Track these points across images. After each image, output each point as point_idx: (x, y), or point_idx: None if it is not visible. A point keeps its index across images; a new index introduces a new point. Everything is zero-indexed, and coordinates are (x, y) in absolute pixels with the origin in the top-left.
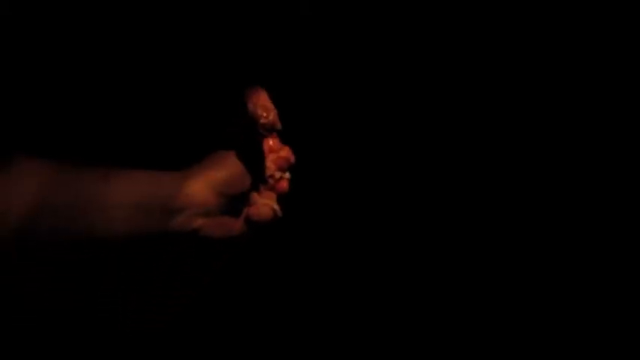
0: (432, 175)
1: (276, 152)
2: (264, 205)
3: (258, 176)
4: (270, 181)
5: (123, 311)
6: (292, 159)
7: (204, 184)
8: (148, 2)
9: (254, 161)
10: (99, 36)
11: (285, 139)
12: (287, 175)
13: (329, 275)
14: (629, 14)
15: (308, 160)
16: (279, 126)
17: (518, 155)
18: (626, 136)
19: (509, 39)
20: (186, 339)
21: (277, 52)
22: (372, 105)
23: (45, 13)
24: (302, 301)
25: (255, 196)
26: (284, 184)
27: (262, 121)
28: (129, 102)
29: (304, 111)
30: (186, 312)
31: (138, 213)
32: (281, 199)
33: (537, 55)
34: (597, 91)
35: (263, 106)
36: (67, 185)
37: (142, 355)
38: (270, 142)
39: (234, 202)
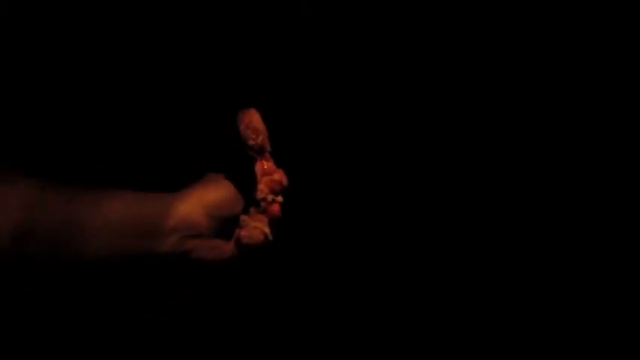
0: (432, 176)
1: (269, 175)
2: (255, 228)
3: (250, 199)
4: (262, 204)
5: (123, 311)
6: (285, 182)
7: (196, 206)
8: (148, 2)
9: (247, 183)
10: (98, 37)
11: (284, 138)
12: (279, 198)
13: (328, 275)
14: (629, 14)
15: (307, 159)
16: (268, 148)
17: (517, 155)
18: (626, 136)
19: (509, 39)
20: (186, 339)
21: (277, 52)
22: (371, 105)
23: (45, 13)
24: (301, 301)
25: (246, 218)
26: (276, 208)
27: (251, 142)
28: (127, 107)
29: (304, 111)
30: (186, 312)
31: (128, 234)
32: (273, 222)
33: (537, 55)
34: (597, 91)
35: (253, 128)
36: (55, 206)
37: (142, 355)
38: (264, 165)
39: (226, 224)
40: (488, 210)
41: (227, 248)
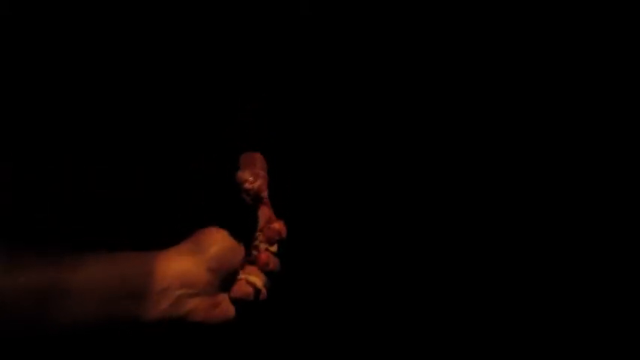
0: (432, 177)
1: (266, 223)
2: (244, 281)
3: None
4: (254, 252)
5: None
6: (284, 233)
7: (194, 261)
8: (148, 2)
9: (243, 233)
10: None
11: (284, 139)
12: (274, 248)
13: (327, 275)
14: (629, 14)
15: (306, 159)
16: (264, 195)
17: (517, 155)
18: (626, 136)
19: (509, 39)
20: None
21: (277, 52)
22: (371, 105)
23: (45, 13)
24: (301, 301)
25: (239, 272)
26: (264, 258)
27: (246, 186)
28: (127, 107)
29: (304, 111)
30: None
31: (110, 300)
32: (271, 274)
33: (537, 55)
34: (597, 91)
35: (252, 172)
36: (25, 275)
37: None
38: (261, 212)
39: (226, 278)
40: (488, 210)
41: (230, 307)
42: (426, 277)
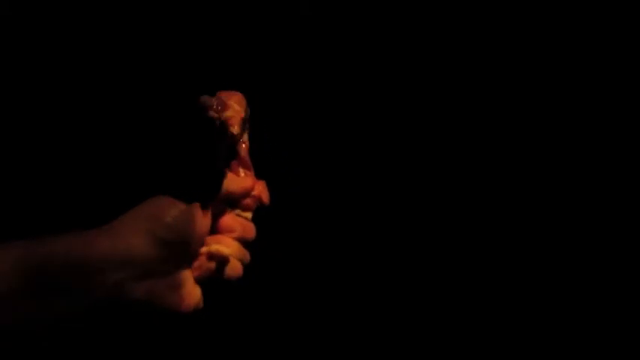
0: (432, 178)
1: (243, 185)
2: (206, 254)
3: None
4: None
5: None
6: (265, 197)
7: (138, 234)
8: (148, 2)
9: (209, 193)
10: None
11: (284, 138)
12: (247, 214)
13: (327, 275)
14: (629, 14)
15: (305, 159)
16: (235, 132)
17: (517, 155)
18: (626, 136)
19: (510, 39)
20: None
21: (277, 52)
22: (372, 105)
23: (45, 13)
24: (300, 301)
25: (211, 239)
26: (226, 221)
27: (210, 113)
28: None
29: (304, 111)
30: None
31: (50, 291)
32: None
33: (537, 55)
34: (597, 91)
35: (220, 100)
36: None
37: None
38: (234, 167)
39: (183, 252)
40: (488, 210)
41: (194, 288)
42: (425, 276)
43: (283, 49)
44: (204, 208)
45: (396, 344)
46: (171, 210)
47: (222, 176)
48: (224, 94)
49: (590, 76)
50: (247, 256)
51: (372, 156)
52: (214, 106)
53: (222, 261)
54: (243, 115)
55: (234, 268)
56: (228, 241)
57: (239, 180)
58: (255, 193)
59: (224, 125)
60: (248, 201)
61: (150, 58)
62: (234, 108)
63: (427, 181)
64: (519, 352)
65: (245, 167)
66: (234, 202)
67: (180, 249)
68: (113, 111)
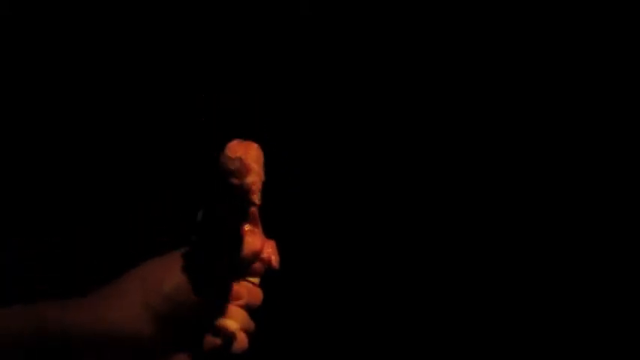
0: (433, 178)
1: (253, 247)
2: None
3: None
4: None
5: None
6: (275, 262)
7: (129, 305)
8: (148, 2)
9: (208, 261)
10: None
11: (283, 138)
12: (255, 279)
13: (327, 275)
14: (629, 14)
15: (305, 159)
16: (255, 199)
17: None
18: (626, 136)
19: (510, 39)
20: None
21: (277, 52)
22: (372, 105)
23: (45, 13)
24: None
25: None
26: (237, 290)
27: (234, 181)
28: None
29: (303, 111)
30: None
31: None
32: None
33: (537, 55)
34: (597, 91)
35: (242, 161)
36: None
37: None
38: (246, 228)
39: (183, 327)
40: (489, 211)
41: None
42: (426, 276)
43: (283, 49)
44: (214, 274)
45: (397, 344)
46: (173, 280)
47: (239, 242)
48: (241, 151)
49: (590, 76)
50: (253, 326)
51: (371, 156)
52: (236, 172)
53: (229, 337)
54: (263, 178)
55: (241, 342)
56: (235, 312)
57: (248, 242)
58: (264, 255)
59: (245, 192)
60: (257, 265)
61: (150, 58)
62: (255, 170)
63: (427, 182)
64: (520, 352)
65: (253, 224)
66: (242, 266)
67: (182, 324)
68: (113, 114)
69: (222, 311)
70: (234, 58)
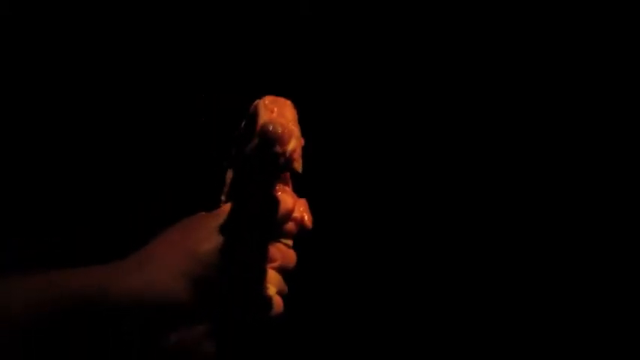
0: (433, 178)
1: (286, 207)
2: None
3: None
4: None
5: None
6: (308, 221)
7: (164, 271)
8: (148, 2)
9: (244, 222)
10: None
11: None
12: (288, 241)
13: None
14: (629, 14)
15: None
16: (299, 167)
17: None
18: (626, 136)
19: (510, 39)
20: None
21: (277, 52)
22: (372, 105)
23: (45, 13)
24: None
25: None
26: (272, 253)
27: (277, 150)
28: (126, 107)
29: (303, 111)
30: None
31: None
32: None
33: (537, 55)
34: (597, 91)
35: (284, 126)
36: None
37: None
38: (279, 192)
39: (212, 294)
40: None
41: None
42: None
43: (283, 49)
44: (247, 236)
45: (399, 344)
46: (208, 243)
47: (272, 202)
48: (278, 113)
49: (590, 76)
50: (286, 289)
51: (372, 156)
52: (277, 139)
53: (266, 301)
54: (303, 142)
55: (277, 306)
56: (270, 275)
57: (280, 202)
58: (296, 215)
59: (287, 161)
60: (289, 225)
61: (150, 58)
62: (295, 135)
63: (428, 182)
64: (520, 352)
65: (283, 182)
66: (275, 227)
67: (213, 288)
68: (117, 111)
69: (257, 274)
70: (234, 57)
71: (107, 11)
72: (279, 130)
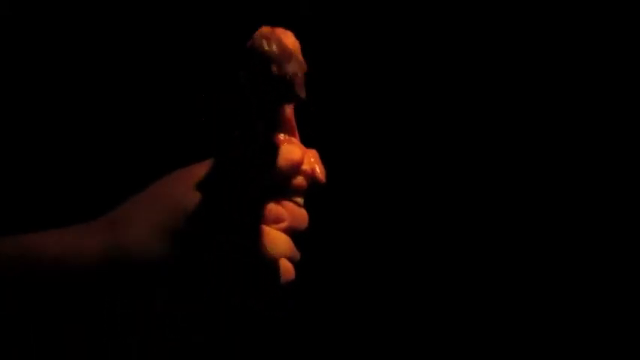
0: (432, 179)
1: (291, 157)
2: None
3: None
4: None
5: None
6: (321, 173)
7: (142, 228)
8: (148, 2)
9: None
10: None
11: None
12: (299, 199)
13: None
14: (629, 14)
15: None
16: (301, 92)
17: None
18: (626, 136)
19: (510, 39)
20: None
21: None
22: (372, 106)
23: (45, 13)
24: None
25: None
26: (274, 211)
27: (274, 69)
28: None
29: (303, 111)
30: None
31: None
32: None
33: (538, 55)
34: (597, 91)
35: (282, 46)
36: None
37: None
38: (283, 138)
39: (203, 257)
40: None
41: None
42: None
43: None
44: (246, 190)
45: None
46: (195, 195)
47: (273, 151)
48: (278, 35)
49: (590, 76)
50: (298, 254)
51: (371, 156)
52: (275, 57)
53: (271, 267)
54: (306, 68)
55: (286, 272)
56: (277, 237)
57: (284, 152)
58: (306, 167)
59: (287, 82)
60: (298, 180)
61: (149, 58)
62: (297, 59)
63: (428, 182)
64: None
65: (288, 132)
66: (281, 182)
67: (207, 250)
68: (118, 110)
69: (257, 235)
70: (234, 57)
71: (107, 11)
72: (275, 49)
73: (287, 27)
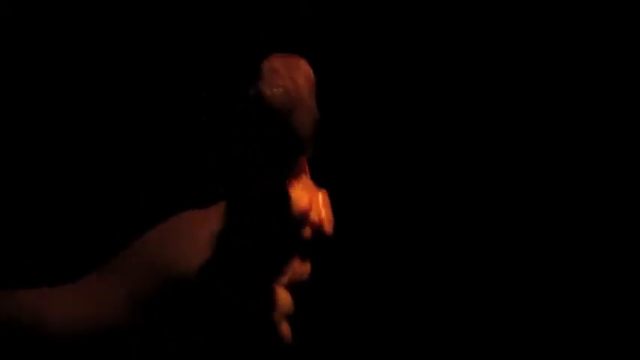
0: (432, 179)
1: (302, 205)
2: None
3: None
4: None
5: None
6: (330, 229)
7: (115, 293)
8: (148, 2)
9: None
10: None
11: None
12: (304, 252)
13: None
14: (629, 14)
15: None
16: (308, 149)
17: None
18: (626, 136)
19: (510, 39)
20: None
21: (277, 52)
22: (372, 106)
23: (45, 13)
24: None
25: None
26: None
27: (279, 124)
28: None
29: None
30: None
31: None
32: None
33: (538, 55)
34: (597, 91)
35: (289, 95)
36: None
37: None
38: (298, 189)
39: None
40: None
41: None
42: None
43: (283, 49)
44: (250, 246)
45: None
46: (182, 259)
47: (286, 199)
48: (286, 75)
49: (591, 76)
50: (293, 309)
51: (371, 156)
52: (281, 109)
53: (272, 330)
54: (317, 114)
55: (284, 335)
56: (284, 297)
57: (295, 198)
58: (313, 216)
59: (291, 140)
60: (305, 232)
61: (149, 58)
62: (305, 105)
63: (429, 182)
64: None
65: (297, 169)
66: (288, 234)
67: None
68: (116, 111)
69: (257, 295)
70: (234, 57)
71: (107, 11)
72: (281, 98)
73: (287, 27)
